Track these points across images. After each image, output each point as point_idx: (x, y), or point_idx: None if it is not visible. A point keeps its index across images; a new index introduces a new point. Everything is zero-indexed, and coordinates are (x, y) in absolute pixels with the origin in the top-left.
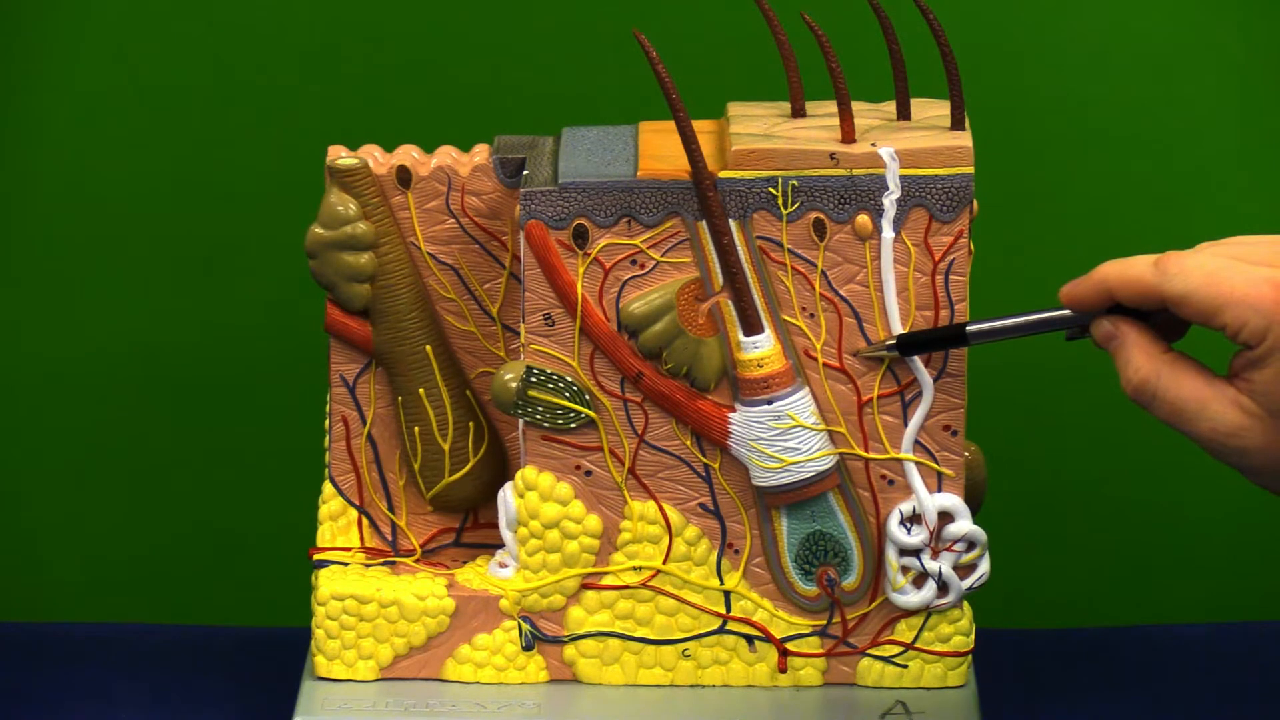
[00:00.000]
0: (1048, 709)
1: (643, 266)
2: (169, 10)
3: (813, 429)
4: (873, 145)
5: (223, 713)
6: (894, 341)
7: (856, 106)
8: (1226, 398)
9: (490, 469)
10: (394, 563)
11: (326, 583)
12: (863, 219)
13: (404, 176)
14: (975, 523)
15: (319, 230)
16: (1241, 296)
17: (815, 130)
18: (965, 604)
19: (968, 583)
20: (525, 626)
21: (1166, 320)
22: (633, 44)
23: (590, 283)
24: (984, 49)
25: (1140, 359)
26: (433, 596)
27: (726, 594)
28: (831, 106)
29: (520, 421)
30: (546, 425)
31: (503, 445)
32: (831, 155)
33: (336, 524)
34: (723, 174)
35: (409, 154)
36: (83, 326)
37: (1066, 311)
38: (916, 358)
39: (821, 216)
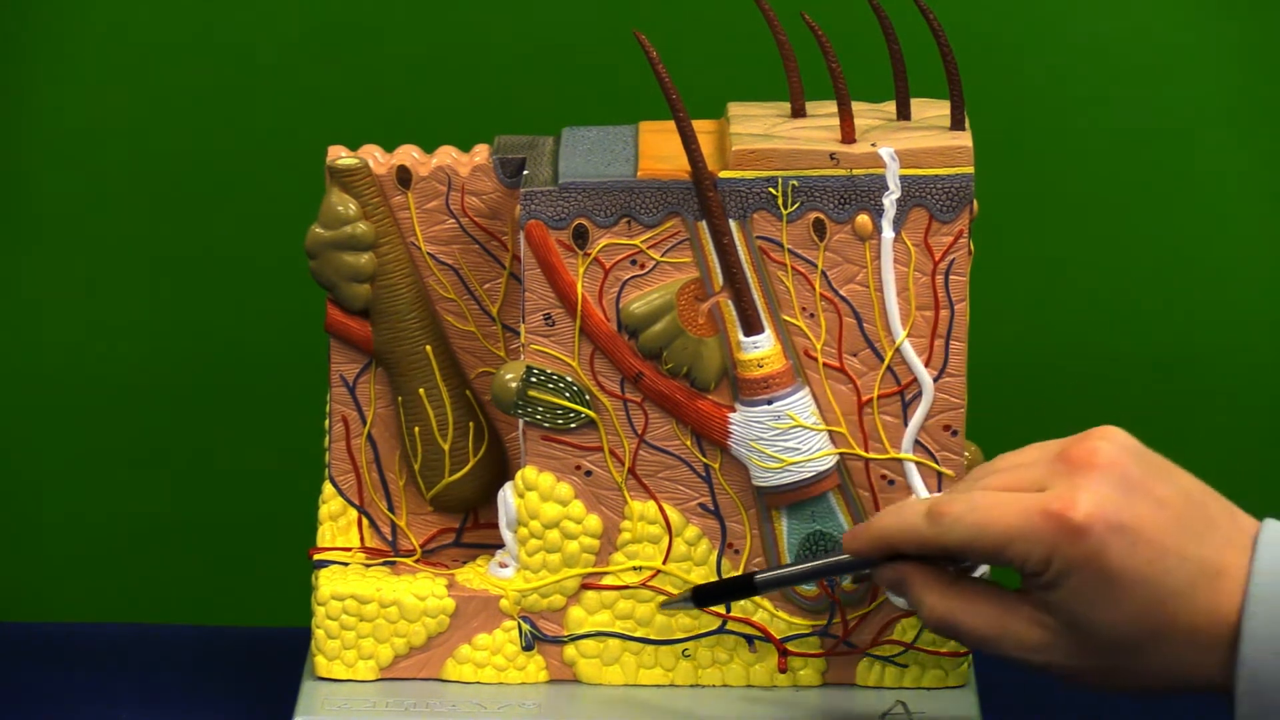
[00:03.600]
0: (1048, 709)
1: (643, 266)
2: (169, 10)
3: (813, 429)
4: (873, 145)
5: (223, 713)
6: (690, 595)
7: (856, 106)
8: (1024, 617)
9: (490, 469)
10: (394, 563)
11: (327, 583)
12: (863, 219)
13: (404, 176)
14: None
15: (319, 230)
16: (1018, 533)
17: (815, 130)
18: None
19: None
20: (525, 626)
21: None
22: (633, 44)
23: (590, 283)
24: (984, 49)
25: (932, 600)
26: (433, 596)
27: None
28: (831, 106)
29: (520, 421)
30: (546, 425)
31: (503, 445)
32: (831, 155)
33: (336, 524)
34: (723, 174)
35: (409, 154)
36: (83, 326)
37: (848, 557)
38: (917, 358)
39: (821, 216)
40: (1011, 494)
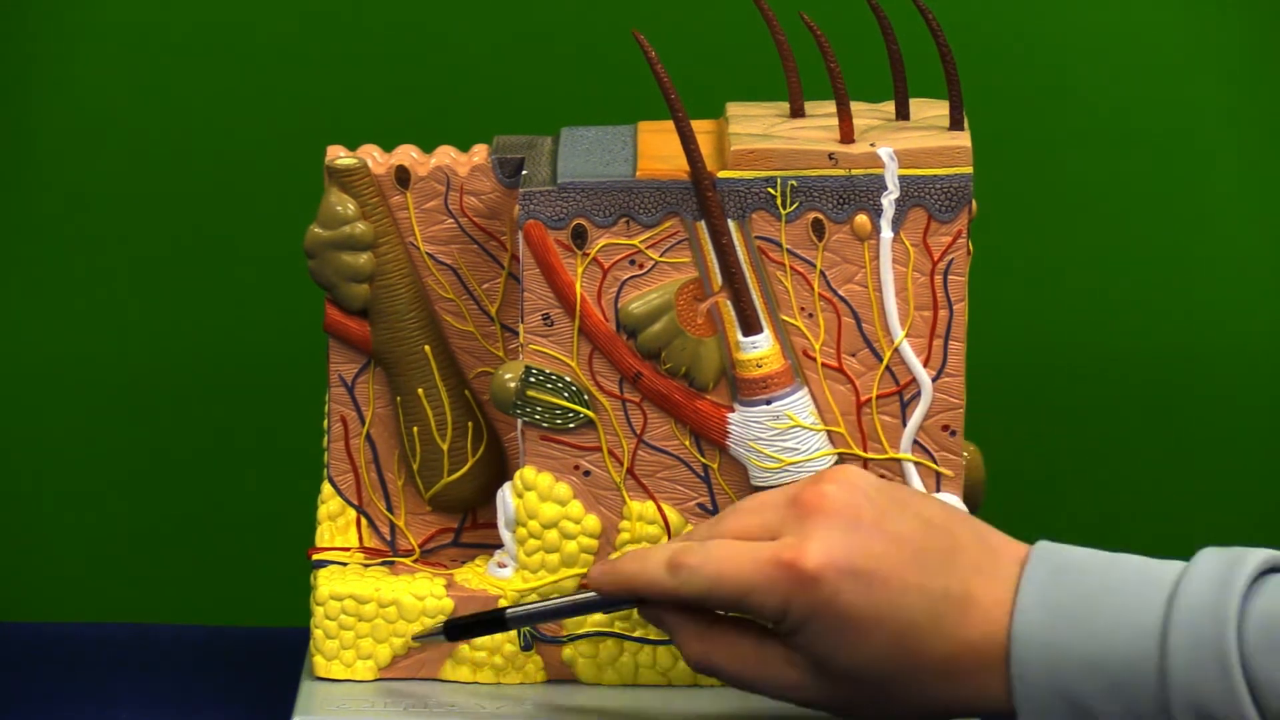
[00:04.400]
0: None
1: (641, 266)
2: (168, 9)
3: (811, 429)
4: (872, 145)
5: (222, 713)
6: (441, 628)
7: (855, 106)
8: (779, 658)
9: (489, 469)
10: (393, 563)
11: (325, 583)
12: (861, 219)
13: (403, 176)
14: None
15: (318, 230)
16: (752, 584)
17: (814, 130)
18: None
19: None
20: (524, 626)
21: None
22: (632, 44)
23: (589, 283)
24: (983, 49)
25: (689, 641)
26: (431, 596)
27: None
28: (830, 107)
29: (519, 421)
30: (545, 425)
31: (501, 445)
32: (830, 155)
33: (335, 524)
34: (722, 174)
35: (408, 154)
36: (82, 326)
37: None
38: (915, 358)
39: (820, 216)
40: (746, 544)
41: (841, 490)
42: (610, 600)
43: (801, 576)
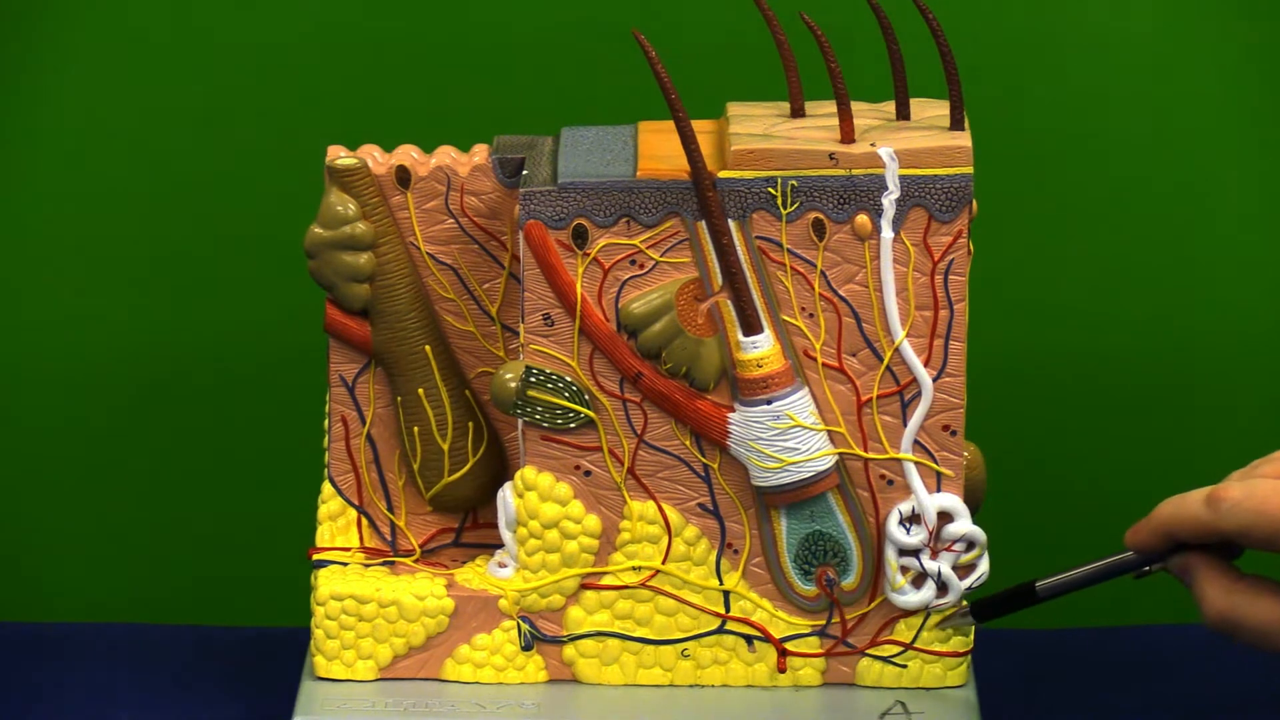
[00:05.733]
0: (1048, 709)
1: (642, 266)
2: (168, 9)
3: (812, 429)
4: (872, 145)
5: (222, 713)
6: (968, 610)
7: (856, 106)
8: None
9: (489, 469)
10: (393, 563)
11: (326, 583)
12: (862, 219)
13: (403, 176)
14: (975, 523)
15: (318, 230)
16: None
17: (814, 130)
18: (964, 604)
19: (967, 583)
20: (524, 626)
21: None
22: (632, 44)
23: (589, 283)
24: (983, 49)
25: (1214, 593)
26: (432, 596)
27: (726, 594)
28: (831, 106)
29: (519, 421)
30: (546, 425)
31: (502, 445)
32: (831, 155)
33: (336, 524)
34: (722, 174)
35: (408, 154)
36: (82, 326)
37: (1131, 555)
38: (916, 358)
39: (821, 216)
40: None
41: None
42: (1144, 559)
43: None
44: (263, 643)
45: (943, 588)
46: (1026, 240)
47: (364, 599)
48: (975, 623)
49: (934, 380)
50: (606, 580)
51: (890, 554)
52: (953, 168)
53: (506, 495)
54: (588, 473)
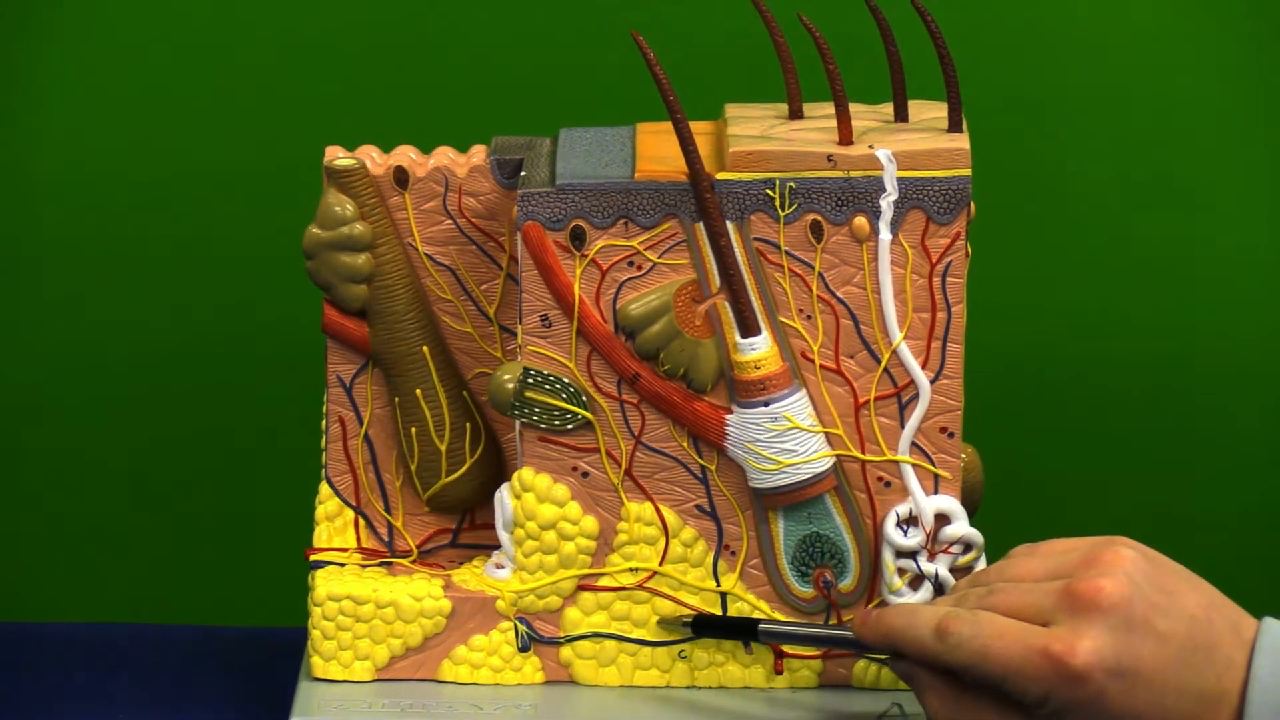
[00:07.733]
0: None
1: (640, 268)
2: (167, 9)
3: (809, 431)
4: (870, 147)
5: (220, 713)
6: (691, 619)
7: (854, 108)
8: None
9: (487, 470)
10: (390, 563)
11: (323, 583)
12: (860, 221)
13: (401, 177)
14: (972, 525)
15: (316, 231)
16: (1018, 668)
17: (813, 132)
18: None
19: None
20: (521, 628)
21: None
22: (631, 45)
23: (587, 284)
24: (982, 51)
25: (938, 705)
26: (429, 597)
27: (723, 595)
28: (829, 108)
29: (517, 422)
30: (543, 426)
31: (500, 446)
32: (829, 157)
33: (333, 524)
34: (720, 175)
35: (406, 155)
36: (81, 326)
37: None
38: (913, 360)
39: (819, 218)
40: (1017, 625)
41: (1116, 585)
42: (867, 647)
43: (1069, 672)
44: (260, 643)
45: (940, 589)
46: (1024, 242)
47: (361, 600)
48: (692, 634)
49: (931, 382)
50: (604, 581)
51: (887, 556)
52: (951, 170)
53: (504, 496)
54: (585, 474)
